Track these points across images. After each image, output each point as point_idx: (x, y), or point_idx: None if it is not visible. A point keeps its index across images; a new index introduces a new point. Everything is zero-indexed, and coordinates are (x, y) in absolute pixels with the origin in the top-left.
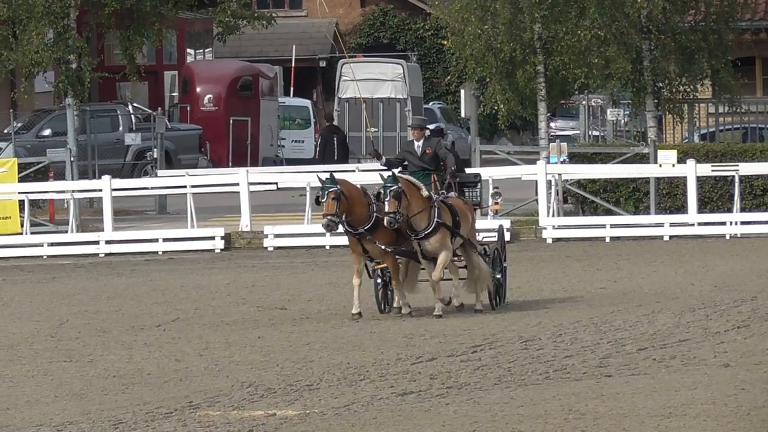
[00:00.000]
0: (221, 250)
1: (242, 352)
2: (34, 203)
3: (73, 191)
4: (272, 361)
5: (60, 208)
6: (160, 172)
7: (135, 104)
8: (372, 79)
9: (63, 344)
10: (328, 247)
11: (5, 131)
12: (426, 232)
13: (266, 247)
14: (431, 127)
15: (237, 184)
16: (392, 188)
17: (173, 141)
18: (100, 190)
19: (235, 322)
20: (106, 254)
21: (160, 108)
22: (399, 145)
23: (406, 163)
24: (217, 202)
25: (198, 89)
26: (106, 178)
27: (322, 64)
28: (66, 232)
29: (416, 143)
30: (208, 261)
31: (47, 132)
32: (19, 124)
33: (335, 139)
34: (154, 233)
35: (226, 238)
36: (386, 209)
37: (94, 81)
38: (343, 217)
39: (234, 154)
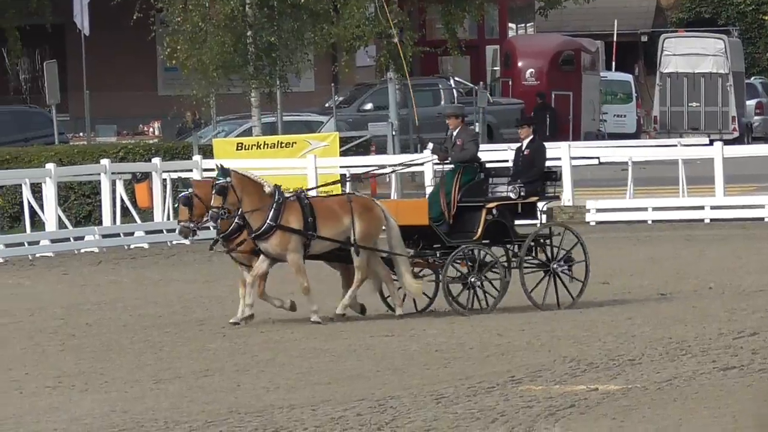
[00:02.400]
0: None
1: (564, 327)
2: (355, 177)
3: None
4: (594, 336)
5: (381, 183)
6: (482, 147)
7: (456, 78)
8: (693, 54)
9: (383, 319)
10: (650, 222)
11: (327, 105)
12: (257, 233)
13: (588, 222)
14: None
15: (559, 159)
16: (218, 182)
17: (495, 115)
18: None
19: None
20: None
21: (481, 82)
22: (720, 120)
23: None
24: None
25: (520, 64)
26: (427, 152)
27: (644, 38)
28: None
29: (453, 132)
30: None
31: (369, 106)
32: (341, 98)
33: (547, 116)
34: None
35: (548, 212)
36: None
37: (415, 55)
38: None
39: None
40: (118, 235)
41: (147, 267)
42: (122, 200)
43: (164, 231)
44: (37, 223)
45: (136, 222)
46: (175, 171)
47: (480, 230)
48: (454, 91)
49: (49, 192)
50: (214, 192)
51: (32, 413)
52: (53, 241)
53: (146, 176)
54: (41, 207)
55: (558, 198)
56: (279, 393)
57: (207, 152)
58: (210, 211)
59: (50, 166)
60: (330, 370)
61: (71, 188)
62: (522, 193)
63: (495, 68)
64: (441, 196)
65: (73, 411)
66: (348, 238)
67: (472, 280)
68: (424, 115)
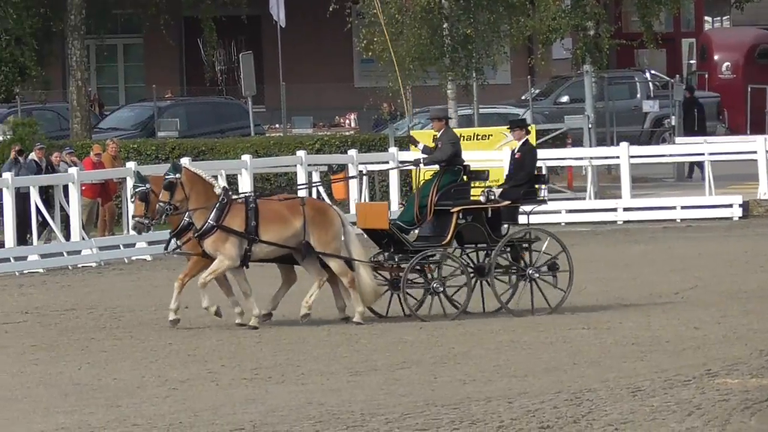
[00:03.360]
0: (739, 218)
1: (761, 320)
2: (552, 170)
3: (591, 158)
4: None
5: (578, 175)
6: (677, 140)
7: (652, 71)
8: None
9: (581, 311)
10: None
11: (523, 97)
12: (199, 232)
13: None
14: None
15: (755, 152)
16: (168, 177)
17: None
18: (618, 157)
19: (753, 290)
20: (624, 221)
21: (677, 75)
22: None
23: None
24: (736, 170)
25: (716, 57)
26: (623, 145)
27: None
28: (583, 198)
29: (437, 135)
30: (725, 229)
31: (565, 99)
32: (537, 91)
33: (695, 111)
34: (672, 201)
35: (744, 206)
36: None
37: (611, 48)
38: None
39: (752, 123)
40: None
41: None
42: (318, 192)
43: None
44: None
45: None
46: (371, 163)
47: (450, 234)
48: (650, 84)
49: (245, 183)
50: (162, 187)
51: (228, 405)
52: None
53: (342, 168)
54: None
55: (544, 202)
56: (475, 385)
57: (403, 144)
58: (157, 205)
59: (246, 157)
60: (526, 362)
61: (267, 179)
62: (491, 197)
63: (691, 61)
64: (416, 199)
65: (269, 402)
66: (299, 242)
67: (435, 285)
68: (620, 107)
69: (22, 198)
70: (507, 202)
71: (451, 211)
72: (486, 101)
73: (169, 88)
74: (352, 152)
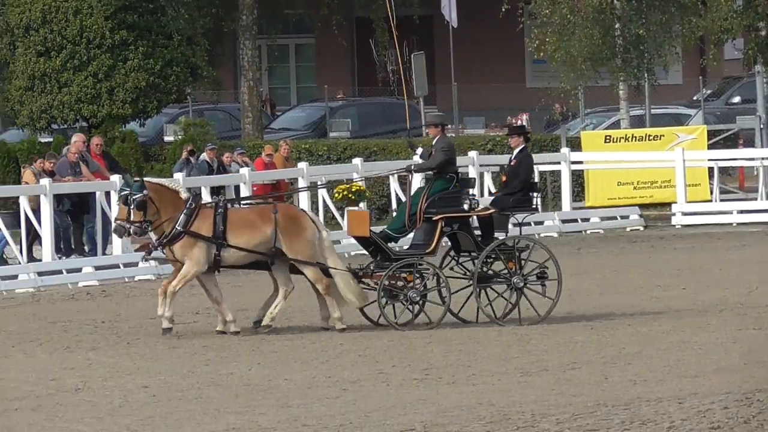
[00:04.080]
0: None
1: None
2: (723, 170)
3: (763, 158)
4: None
5: (750, 176)
6: None
7: None
8: None
9: (752, 312)
10: None
11: (695, 98)
12: (168, 238)
13: None
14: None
15: None
16: (136, 197)
17: None
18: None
19: None
20: None
21: None
22: None
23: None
24: None
25: None
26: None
27: None
28: (755, 199)
29: (433, 141)
30: None
31: (736, 99)
32: (709, 91)
33: None
34: None
35: None
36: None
37: None
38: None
39: None
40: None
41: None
42: (490, 192)
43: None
44: None
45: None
46: (543, 163)
47: (434, 243)
48: None
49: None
50: (133, 207)
51: (399, 405)
52: None
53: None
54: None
55: (537, 210)
56: (646, 386)
57: (575, 145)
58: (132, 227)
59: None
60: (697, 363)
61: None
62: (474, 205)
63: None
64: (407, 206)
65: (440, 403)
66: (270, 248)
67: (411, 294)
68: None
69: None
70: (491, 210)
71: (433, 219)
72: (657, 102)
73: (341, 89)
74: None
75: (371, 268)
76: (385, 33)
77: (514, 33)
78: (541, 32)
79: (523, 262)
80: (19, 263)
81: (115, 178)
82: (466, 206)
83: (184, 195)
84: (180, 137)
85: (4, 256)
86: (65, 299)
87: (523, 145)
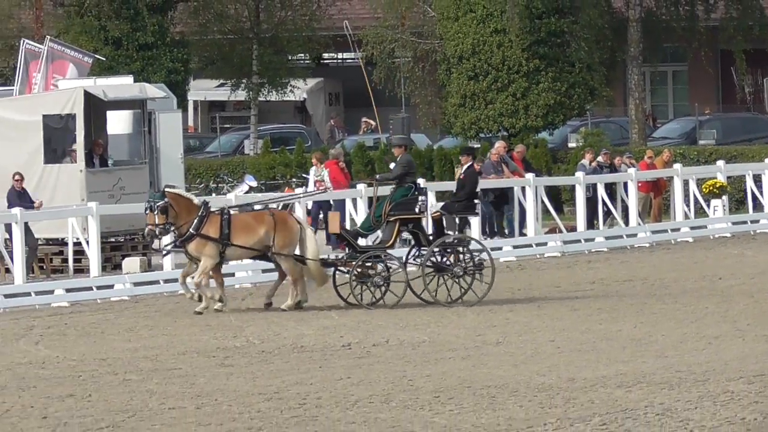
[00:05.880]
0: None
1: None
2: None
3: None
4: None
5: None
6: None
7: None
8: None
9: None
10: None
11: None
12: (182, 238)
13: None
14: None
15: None
16: (158, 204)
17: None
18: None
19: None
20: None
21: None
22: None
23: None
24: None
25: None
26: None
27: None
28: None
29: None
30: None
31: None
32: None
33: None
34: None
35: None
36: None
37: None
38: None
39: None
40: None
41: None
42: None
43: None
44: (758, 206)
45: None
46: None
47: (392, 239)
48: None
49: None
50: (157, 212)
51: (752, 356)
52: None
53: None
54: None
55: (477, 214)
56: None
57: None
58: (156, 228)
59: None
60: None
61: None
62: (422, 209)
63: None
64: (373, 210)
65: None
66: (266, 246)
67: (376, 280)
68: None
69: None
70: (438, 213)
71: (389, 220)
72: None
73: (708, 106)
74: None
75: (344, 258)
76: (743, 62)
77: None
78: None
79: (461, 255)
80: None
81: (530, 177)
82: (417, 209)
83: (197, 202)
84: (580, 144)
85: None
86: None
87: (470, 162)
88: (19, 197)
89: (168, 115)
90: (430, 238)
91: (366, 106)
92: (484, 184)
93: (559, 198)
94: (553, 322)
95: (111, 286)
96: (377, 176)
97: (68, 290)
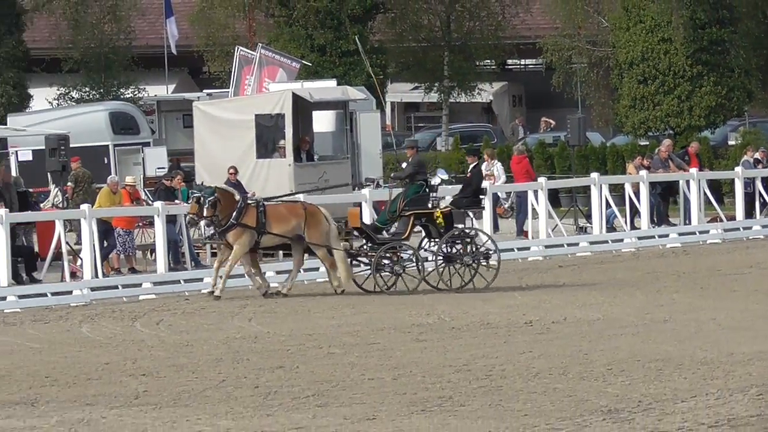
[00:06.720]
0: None
1: None
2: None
3: None
4: None
5: None
6: None
7: None
8: None
9: None
10: None
11: None
12: (223, 228)
13: None
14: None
15: None
16: (209, 199)
17: None
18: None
19: None
20: None
21: None
22: None
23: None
24: None
25: None
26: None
27: None
28: None
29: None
30: None
31: None
32: None
33: None
34: None
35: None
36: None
37: None
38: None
39: None
40: None
41: None
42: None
43: None
44: None
45: None
46: None
47: (407, 232)
48: None
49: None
50: (208, 205)
51: None
52: None
53: None
54: None
55: (483, 209)
56: None
57: None
58: (203, 220)
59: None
60: None
61: None
62: (435, 205)
63: None
64: (388, 205)
65: None
66: (297, 235)
67: (396, 268)
68: None
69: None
70: (448, 208)
71: (405, 215)
72: None
73: None
74: None
75: (365, 249)
76: None
77: None
78: None
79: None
80: (624, 229)
81: (693, 171)
82: (430, 205)
83: (237, 197)
84: (739, 142)
85: (614, 226)
86: (656, 256)
87: (476, 162)
88: (236, 187)
89: (367, 115)
90: (441, 231)
91: (546, 107)
92: (652, 177)
93: (720, 190)
94: (715, 302)
95: (316, 269)
96: (392, 174)
97: (278, 273)
